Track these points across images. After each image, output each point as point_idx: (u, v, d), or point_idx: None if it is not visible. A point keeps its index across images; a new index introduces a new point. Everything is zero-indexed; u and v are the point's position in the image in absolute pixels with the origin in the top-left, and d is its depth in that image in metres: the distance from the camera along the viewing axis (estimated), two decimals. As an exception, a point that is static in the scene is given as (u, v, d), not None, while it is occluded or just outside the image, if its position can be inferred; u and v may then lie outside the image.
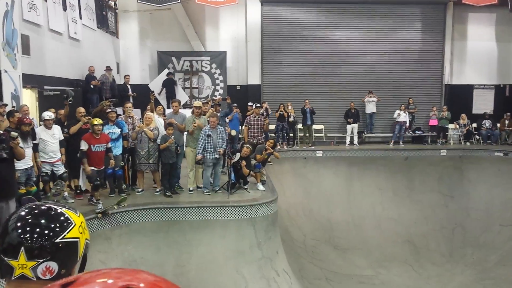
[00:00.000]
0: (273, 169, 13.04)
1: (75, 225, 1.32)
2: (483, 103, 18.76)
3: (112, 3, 16.56)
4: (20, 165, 7.37)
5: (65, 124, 9.01)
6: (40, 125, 8.61)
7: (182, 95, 16.69)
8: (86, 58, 13.61)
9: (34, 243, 1.24)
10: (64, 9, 12.32)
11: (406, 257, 13.90)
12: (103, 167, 8.66)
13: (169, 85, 16.54)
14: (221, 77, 17.71)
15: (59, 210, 1.32)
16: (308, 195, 14.95)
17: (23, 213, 1.29)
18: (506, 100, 18.79)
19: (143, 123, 9.65)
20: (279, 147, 15.13)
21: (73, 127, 8.87)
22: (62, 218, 1.30)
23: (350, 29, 18.30)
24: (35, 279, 1.23)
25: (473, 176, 16.00)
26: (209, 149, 9.53)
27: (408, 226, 14.86)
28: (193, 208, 8.85)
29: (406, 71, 18.51)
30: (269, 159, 11.26)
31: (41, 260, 1.24)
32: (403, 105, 17.28)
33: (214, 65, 17.67)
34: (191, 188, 9.81)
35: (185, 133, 10.19)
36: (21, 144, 7.49)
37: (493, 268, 13.31)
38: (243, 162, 9.87)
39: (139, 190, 9.58)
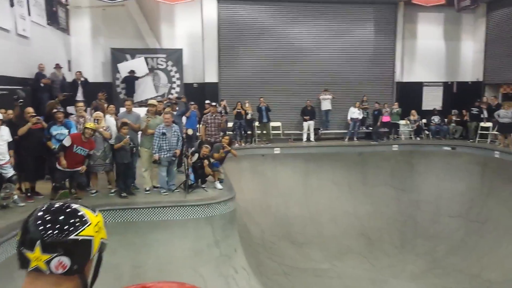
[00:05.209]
0: (232, 167, 13.08)
1: (90, 223, 1.39)
2: (432, 99, 19.57)
3: (63, -1, 16.04)
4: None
5: (17, 126, 8.70)
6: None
7: (149, 90, 16.63)
8: (35, 56, 13.11)
9: (48, 238, 1.31)
10: (11, 5, 11.80)
11: (361, 249, 14.34)
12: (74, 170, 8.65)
13: (129, 82, 16.29)
14: (177, 75, 17.54)
15: (76, 208, 1.40)
16: (266, 192, 15.12)
17: (42, 210, 1.38)
18: (454, 96, 19.69)
19: (97, 123, 9.43)
20: (237, 144, 15.20)
21: (21, 128, 8.57)
22: (78, 216, 1.38)
23: (306, 27, 18.58)
24: (48, 272, 1.31)
25: (423, 170, 16.70)
26: (164, 148, 9.44)
27: (363, 219, 15.32)
28: (150, 209, 8.77)
29: (360, 69, 19.01)
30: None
31: (55, 255, 1.31)
32: (357, 103, 17.75)
33: (170, 63, 17.47)
34: (148, 188, 9.71)
35: (140, 132, 10.07)
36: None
37: (442, 258, 13.95)
38: (206, 162, 9.86)
39: (93, 191, 9.41)
